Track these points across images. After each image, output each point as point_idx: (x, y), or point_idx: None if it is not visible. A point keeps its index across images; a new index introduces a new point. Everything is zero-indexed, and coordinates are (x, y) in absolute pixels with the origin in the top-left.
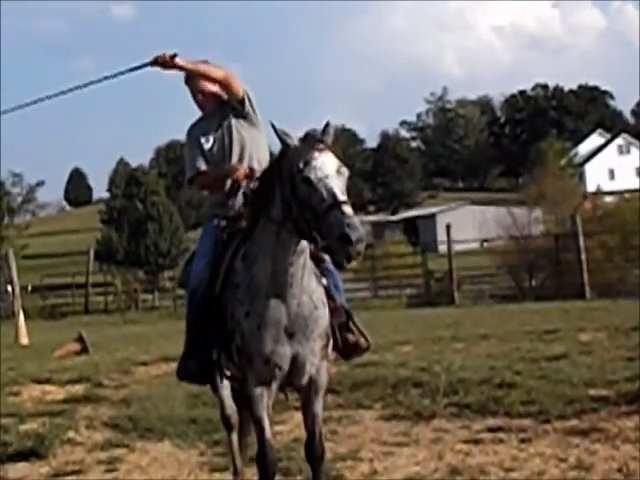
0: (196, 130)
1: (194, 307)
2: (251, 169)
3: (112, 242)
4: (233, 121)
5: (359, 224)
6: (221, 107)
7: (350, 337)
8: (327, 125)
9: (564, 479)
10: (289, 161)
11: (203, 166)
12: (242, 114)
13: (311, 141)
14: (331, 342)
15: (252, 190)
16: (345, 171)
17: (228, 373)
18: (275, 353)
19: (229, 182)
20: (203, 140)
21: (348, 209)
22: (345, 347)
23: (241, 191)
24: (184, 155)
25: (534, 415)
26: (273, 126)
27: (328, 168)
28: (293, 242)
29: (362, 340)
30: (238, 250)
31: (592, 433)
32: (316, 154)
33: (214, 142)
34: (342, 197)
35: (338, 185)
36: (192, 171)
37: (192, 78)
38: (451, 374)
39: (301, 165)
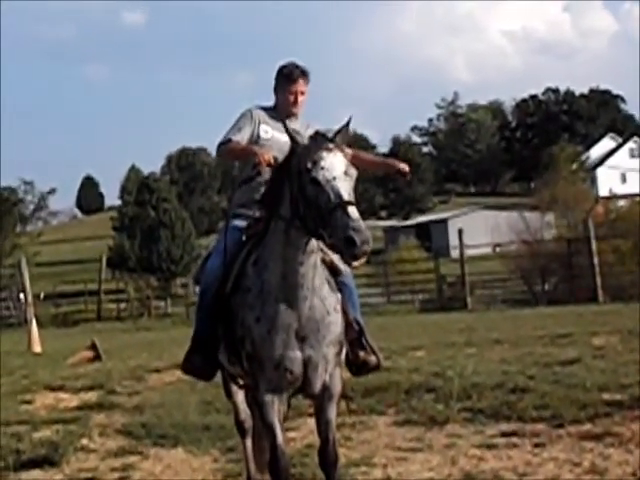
0: (263, 116)
1: (205, 305)
2: (275, 159)
3: (124, 249)
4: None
5: (364, 226)
6: (299, 122)
7: (361, 354)
8: (348, 124)
9: None
10: (298, 159)
11: (237, 138)
12: None
13: (320, 140)
14: (344, 351)
15: (265, 190)
16: (353, 172)
17: (241, 382)
18: (286, 357)
19: (252, 163)
20: (264, 128)
21: (353, 211)
22: (355, 363)
23: (261, 178)
24: (234, 121)
25: (548, 420)
26: (285, 124)
27: (336, 169)
28: (302, 240)
29: (372, 357)
30: (250, 254)
31: (606, 437)
32: (324, 154)
33: (271, 138)
34: (348, 199)
35: (345, 187)
36: (229, 135)
37: (300, 76)
38: (464, 379)
39: (309, 165)
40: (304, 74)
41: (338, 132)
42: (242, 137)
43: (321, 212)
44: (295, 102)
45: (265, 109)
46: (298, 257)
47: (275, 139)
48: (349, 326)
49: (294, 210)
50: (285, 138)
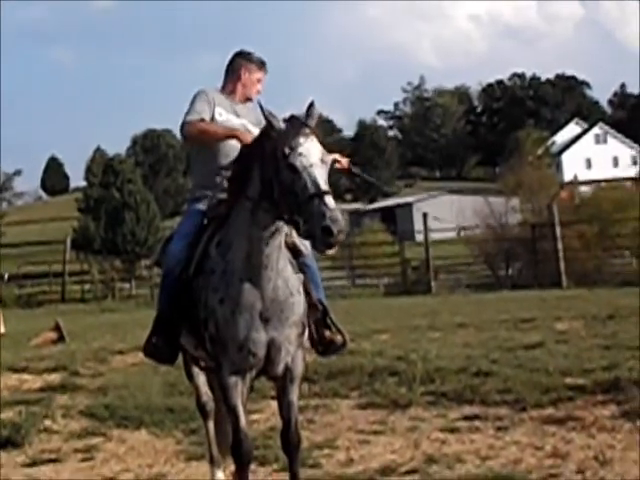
0: (218, 98)
1: (167, 287)
2: None
3: (89, 231)
4: (252, 129)
5: (340, 215)
6: (249, 108)
7: (326, 333)
8: (311, 105)
9: (540, 467)
10: (274, 143)
11: (206, 117)
12: None
13: (297, 125)
14: (307, 333)
15: (232, 170)
16: (329, 159)
17: (202, 364)
18: (249, 339)
19: (235, 142)
20: (218, 111)
21: (330, 200)
22: (321, 343)
23: (222, 162)
24: (191, 102)
25: (510, 404)
26: (261, 106)
27: (313, 156)
28: (269, 222)
29: (338, 337)
30: (213, 236)
31: (568, 422)
32: (302, 140)
33: (226, 121)
34: (325, 187)
35: (322, 174)
36: (194, 116)
37: (257, 67)
38: (428, 363)
39: (287, 150)
40: (265, 65)
41: (308, 116)
42: (207, 118)
43: (297, 199)
44: (257, 92)
45: (221, 92)
46: (263, 237)
47: (230, 122)
48: (313, 307)
49: (265, 192)
50: (239, 121)
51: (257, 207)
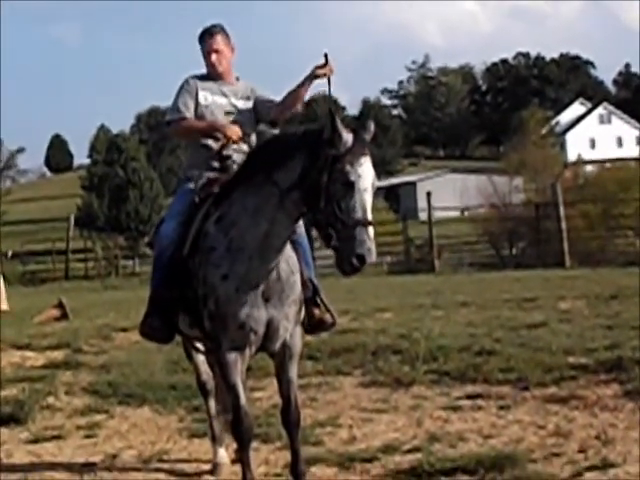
0: (201, 83)
1: (160, 267)
2: (244, 133)
3: (93, 208)
4: (242, 105)
5: (374, 248)
6: (239, 84)
7: (316, 312)
8: (368, 118)
9: (542, 446)
10: (335, 153)
11: (188, 114)
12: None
13: (361, 142)
14: (303, 309)
15: (254, 153)
16: (376, 184)
17: (199, 346)
18: (250, 317)
19: (221, 137)
20: (202, 95)
21: (372, 231)
22: (310, 322)
23: (228, 151)
24: (174, 97)
25: (513, 382)
26: (332, 114)
27: (368, 180)
28: (295, 212)
29: (327, 316)
30: (209, 213)
31: (571, 401)
32: (362, 160)
33: (211, 104)
34: (371, 217)
35: (370, 202)
36: (175, 114)
37: (214, 34)
38: (431, 341)
39: (348, 167)
40: (217, 31)
41: (364, 129)
42: (190, 112)
43: (342, 216)
44: (217, 61)
45: (202, 76)
46: (287, 224)
47: (215, 104)
48: (304, 285)
49: (299, 187)
50: (225, 100)
51: (285, 196)
